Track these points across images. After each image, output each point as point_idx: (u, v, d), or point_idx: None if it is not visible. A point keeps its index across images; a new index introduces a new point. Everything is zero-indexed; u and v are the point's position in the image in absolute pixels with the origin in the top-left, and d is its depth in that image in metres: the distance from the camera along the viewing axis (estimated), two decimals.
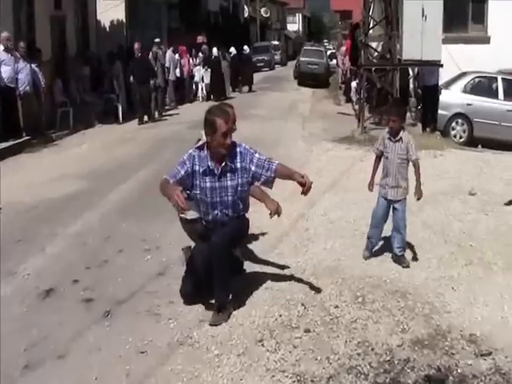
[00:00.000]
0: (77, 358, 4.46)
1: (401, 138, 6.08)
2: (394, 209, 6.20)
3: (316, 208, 8.06)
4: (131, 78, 17.20)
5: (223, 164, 4.98)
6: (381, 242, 6.54)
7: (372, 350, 4.41)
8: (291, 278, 5.70)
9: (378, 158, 6.29)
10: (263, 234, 7.04)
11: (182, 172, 4.96)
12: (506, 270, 6.01)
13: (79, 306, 5.30)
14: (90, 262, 6.32)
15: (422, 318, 4.93)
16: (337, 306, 5.09)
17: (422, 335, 4.62)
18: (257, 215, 7.63)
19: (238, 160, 5.04)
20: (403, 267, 5.98)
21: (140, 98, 17.14)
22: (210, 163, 4.97)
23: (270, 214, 5.48)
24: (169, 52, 20.71)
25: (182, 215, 5.50)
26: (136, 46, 17.38)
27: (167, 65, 20.21)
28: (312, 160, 11.37)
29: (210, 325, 4.82)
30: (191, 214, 5.39)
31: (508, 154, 12.70)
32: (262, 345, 4.50)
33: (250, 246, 6.55)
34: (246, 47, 28.39)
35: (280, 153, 11.04)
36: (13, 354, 4.53)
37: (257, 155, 5.11)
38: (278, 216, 5.61)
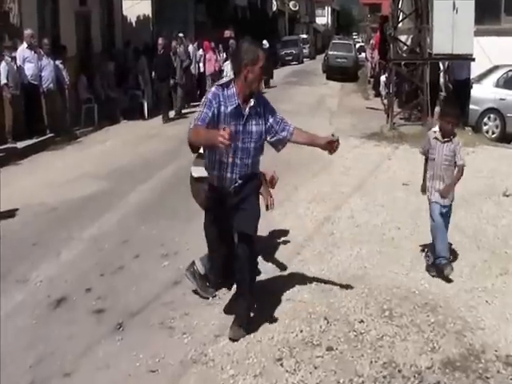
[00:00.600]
0: (83, 377, 4.20)
1: (451, 139, 5.70)
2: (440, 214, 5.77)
3: (342, 210, 7.74)
4: (153, 75, 17.02)
5: (251, 104, 4.47)
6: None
7: (399, 371, 4.09)
8: (314, 287, 5.40)
9: (427, 158, 5.90)
10: (286, 238, 6.73)
11: (210, 114, 4.31)
12: None
13: (90, 317, 5.05)
14: (105, 268, 6.07)
15: (453, 335, 4.59)
16: (362, 321, 4.77)
17: (453, 355, 4.29)
18: (281, 217, 7.42)
19: (262, 106, 4.61)
20: (446, 278, 5.56)
21: (160, 95, 16.95)
22: (239, 101, 4.41)
23: (267, 206, 5.36)
24: (190, 47, 20.31)
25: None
26: (160, 41, 17.05)
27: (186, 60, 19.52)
28: (338, 158, 10.99)
29: (230, 339, 4.52)
30: (199, 172, 5.06)
31: None
32: (281, 364, 4.20)
33: (272, 252, 6.25)
34: (264, 41, 27.83)
35: (305, 150, 10.71)
36: (18, 371, 4.29)
37: (277, 113, 4.73)
38: (272, 209, 5.52)
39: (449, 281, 5.51)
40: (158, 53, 16.93)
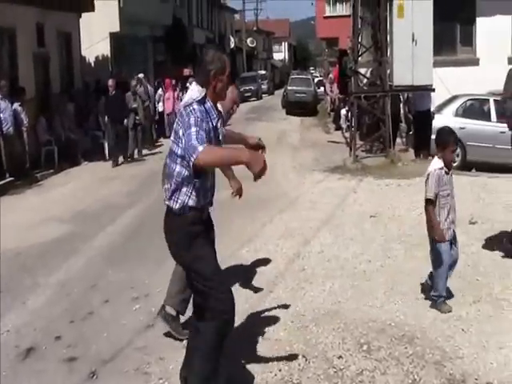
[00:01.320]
0: None
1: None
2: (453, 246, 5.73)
3: (312, 245, 7.70)
4: (106, 118, 16.21)
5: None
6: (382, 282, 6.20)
7: None
8: (290, 325, 5.32)
9: (433, 202, 5.55)
10: (257, 276, 6.65)
11: (204, 132, 3.80)
12: None
13: (62, 366, 4.88)
14: (74, 314, 5.91)
15: (432, 366, 4.55)
16: (340, 357, 4.70)
17: None
18: (251, 255, 7.36)
19: None
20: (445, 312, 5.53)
21: (116, 138, 15.88)
22: (215, 114, 4.05)
23: (233, 193, 5.28)
24: (149, 87, 20.13)
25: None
26: (110, 82, 16.16)
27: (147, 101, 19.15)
28: (304, 193, 11.05)
29: None
30: None
31: (504, 177, 12.40)
32: None
33: (245, 290, 6.17)
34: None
35: (270, 187, 10.74)
36: None
37: None
38: (240, 197, 5.44)
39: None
40: (110, 94, 16.11)
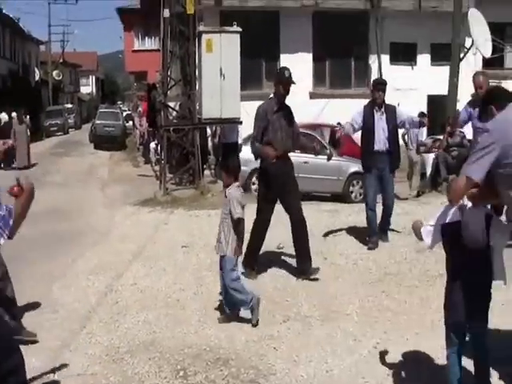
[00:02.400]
0: None
1: (229, 192, 5.98)
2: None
3: (124, 278, 7.61)
4: None
5: None
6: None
7: None
8: (105, 358, 5.22)
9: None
10: (69, 312, 6.46)
11: None
12: (323, 321, 6.05)
13: None
14: None
15: None
16: None
17: None
18: (61, 291, 7.13)
19: None
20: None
21: None
22: None
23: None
24: None
25: None
26: None
27: None
28: (115, 227, 10.92)
29: None
30: None
31: (307, 204, 13.07)
32: None
33: (56, 327, 5.96)
34: (3, 114, 26.17)
35: (81, 221, 10.51)
36: None
37: None
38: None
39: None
40: None
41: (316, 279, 7.30)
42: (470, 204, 3.99)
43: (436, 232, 4.16)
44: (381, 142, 8.59)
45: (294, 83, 7.51)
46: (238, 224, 6.00)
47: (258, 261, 7.66)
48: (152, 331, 5.89)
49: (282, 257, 8.29)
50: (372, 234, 8.80)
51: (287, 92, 7.51)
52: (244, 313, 6.07)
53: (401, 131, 12.11)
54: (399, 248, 8.43)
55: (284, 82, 7.47)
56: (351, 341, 5.55)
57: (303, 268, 7.40)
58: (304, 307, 6.39)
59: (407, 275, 7.43)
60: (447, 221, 4.08)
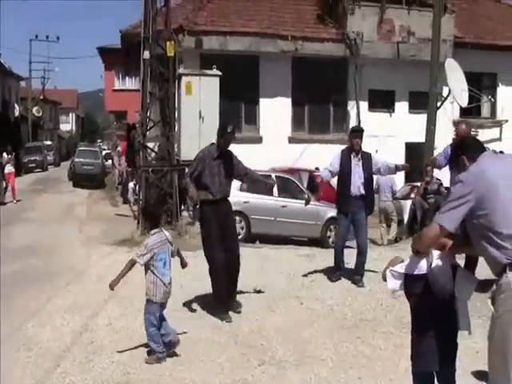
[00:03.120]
0: None
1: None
2: None
3: (100, 318, 7.59)
4: None
5: None
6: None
7: None
8: None
9: None
10: (43, 351, 6.40)
11: None
12: (298, 365, 6.05)
13: None
14: None
15: None
16: None
17: None
18: (36, 330, 7.08)
19: None
20: None
21: None
22: None
23: None
24: None
25: None
26: None
27: None
28: (92, 266, 10.86)
29: None
30: None
31: (285, 248, 13.19)
32: None
33: (28, 366, 5.90)
34: None
35: (57, 260, 10.46)
36: None
37: None
38: None
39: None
40: None
41: (239, 312, 7.65)
42: (436, 254, 4.05)
43: (400, 280, 4.20)
44: (356, 187, 8.87)
45: (234, 138, 7.95)
46: (129, 264, 6.23)
47: (228, 303, 7.75)
48: (126, 372, 5.86)
49: (259, 300, 8.30)
50: (336, 269, 9.24)
51: (227, 146, 7.88)
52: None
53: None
54: (375, 294, 8.47)
55: (225, 137, 7.84)
56: None
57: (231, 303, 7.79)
58: (279, 351, 6.40)
59: (382, 321, 7.47)
60: (415, 273, 4.11)
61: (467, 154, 4.03)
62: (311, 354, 6.36)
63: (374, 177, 10.07)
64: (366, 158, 9.00)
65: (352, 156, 8.94)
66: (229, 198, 8.05)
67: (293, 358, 6.23)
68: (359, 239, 9.10)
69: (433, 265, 4.03)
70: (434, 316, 4.07)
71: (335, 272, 9.22)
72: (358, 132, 9.21)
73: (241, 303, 7.84)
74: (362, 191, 8.88)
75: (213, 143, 7.99)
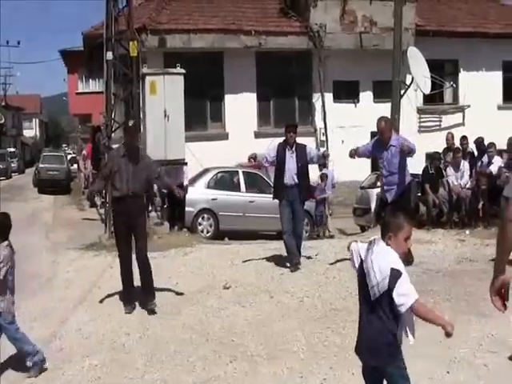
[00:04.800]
0: None
1: None
2: None
3: (68, 324, 7.47)
4: None
5: None
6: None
7: None
8: None
9: None
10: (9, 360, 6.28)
11: None
12: (269, 359, 6.05)
13: None
14: None
15: None
16: None
17: None
18: (3, 340, 6.92)
19: None
20: None
21: None
22: None
23: None
24: None
25: None
26: None
27: None
28: (59, 272, 10.70)
29: None
30: None
31: (254, 243, 13.15)
32: None
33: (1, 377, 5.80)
34: None
35: (23, 268, 10.23)
36: None
37: None
38: None
39: None
40: None
41: (152, 310, 7.67)
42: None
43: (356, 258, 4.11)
44: (289, 177, 9.58)
45: (136, 132, 8.46)
46: None
47: (133, 295, 7.98)
48: (97, 377, 5.80)
49: (228, 296, 8.26)
50: (292, 257, 9.56)
51: (132, 139, 8.11)
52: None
53: None
54: (345, 283, 8.48)
55: (127, 130, 8.16)
56: (298, 378, 5.57)
57: (146, 301, 7.85)
58: (250, 346, 6.38)
59: (353, 310, 7.41)
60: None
61: None
62: (283, 347, 6.35)
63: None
64: (300, 150, 9.69)
65: (287, 149, 9.65)
66: (140, 196, 8.28)
67: (264, 352, 6.21)
68: (294, 223, 9.66)
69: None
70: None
71: (291, 260, 9.52)
72: (292, 127, 9.93)
73: (155, 302, 7.80)
74: (296, 180, 9.55)
75: (123, 143, 8.21)
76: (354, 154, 9.68)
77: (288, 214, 9.63)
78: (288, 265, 9.54)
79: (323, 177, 17.12)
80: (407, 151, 9.15)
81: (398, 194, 9.33)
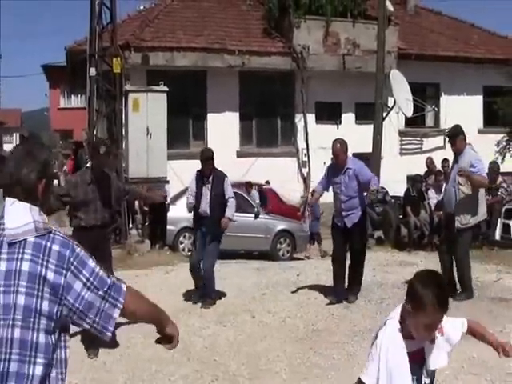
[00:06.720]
0: None
1: None
2: None
3: None
4: None
5: None
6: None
7: None
8: None
9: None
10: None
11: None
12: (251, 380, 6.05)
13: None
14: None
15: None
16: None
17: None
18: None
19: None
20: None
21: None
22: None
23: None
24: None
25: None
26: None
27: None
28: None
29: None
30: None
31: (235, 262, 13.09)
32: None
33: None
34: None
35: None
36: None
37: None
38: None
39: None
40: None
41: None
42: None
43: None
44: (202, 208, 9.13)
45: (107, 156, 7.53)
46: None
47: None
48: None
49: (210, 316, 8.23)
50: (195, 286, 9.13)
51: (101, 168, 7.32)
52: None
53: None
54: (326, 305, 8.50)
55: (98, 159, 7.31)
56: None
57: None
58: (232, 366, 6.35)
59: (335, 331, 7.49)
60: None
61: None
62: (265, 367, 6.34)
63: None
64: (217, 180, 9.30)
65: (204, 179, 9.28)
66: (109, 224, 7.71)
67: (246, 372, 6.20)
68: (204, 257, 9.13)
69: None
70: None
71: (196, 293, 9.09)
72: (207, 160, 9.43)
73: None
74: (208, 212, 9.05)
75: (87, 167, 7.69)
76: (319, 196, 9.28)
77: (200, 246, 9.19)
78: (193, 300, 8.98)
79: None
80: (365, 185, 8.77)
81: (359, 217, 8.73)
